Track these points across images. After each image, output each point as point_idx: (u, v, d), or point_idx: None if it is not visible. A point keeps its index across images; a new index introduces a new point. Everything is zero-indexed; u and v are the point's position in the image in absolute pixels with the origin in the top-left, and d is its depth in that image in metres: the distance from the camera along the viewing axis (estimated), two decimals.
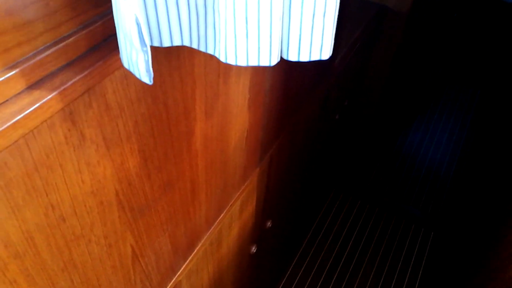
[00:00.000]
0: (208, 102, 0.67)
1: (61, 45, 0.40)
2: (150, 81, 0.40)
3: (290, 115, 1.14)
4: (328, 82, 1.37)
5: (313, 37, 0.42)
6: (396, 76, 2.07)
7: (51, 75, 0.40)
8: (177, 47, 0.54)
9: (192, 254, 0.89)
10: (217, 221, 0.96)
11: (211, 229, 0.94)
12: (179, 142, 0.64)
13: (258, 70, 0.81)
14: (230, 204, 0.99)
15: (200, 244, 0.91)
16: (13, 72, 0.37)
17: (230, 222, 1.04)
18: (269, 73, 0.87)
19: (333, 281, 2.17)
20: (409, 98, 2.74)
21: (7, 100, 0.37)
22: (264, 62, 0.41)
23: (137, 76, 0.40)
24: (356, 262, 2.24)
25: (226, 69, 0.69)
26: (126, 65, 0.41)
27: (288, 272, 2.19)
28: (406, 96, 2.62)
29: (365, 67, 1.98)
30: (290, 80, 1.00)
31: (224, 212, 0.97)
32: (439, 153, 2.79)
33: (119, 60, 0.45)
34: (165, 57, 0.53)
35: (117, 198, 0.55)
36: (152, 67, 0.47)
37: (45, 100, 0.39)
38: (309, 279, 2.18)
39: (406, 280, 2.17)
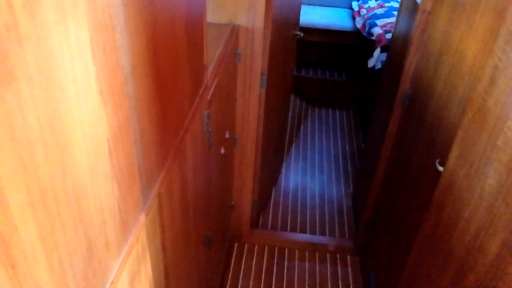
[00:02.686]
0: None
1: None
2: None
3: (173, 132, 0.79)
4: (204, 95, 1.07)
5: None
6: (267, 100, 1.89)
7: None
8: None
9: None
10: None
11: None
12: None
13: (99, 20, 0.46)
14: (110, 282, 0.56)
15: None
16: None
17: None
18: (121, 29, 0.52)
19: None
20: (280, 126, 2.62)
21: None
22: None
23: None
24: None
25: None
26: None
27: None
28: (278, 123, 2.49)
29: (234, 91, 1.75)
30: (160, 67, 0.67)
31: None
32: (315, 178, 2.69)
33: None
34: None
35: None
36: None
37: None
38: None
39: None
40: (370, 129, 2.37)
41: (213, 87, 1.20)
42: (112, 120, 0.51)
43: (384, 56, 2.48)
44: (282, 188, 2.55)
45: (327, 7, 3.65)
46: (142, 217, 0.66)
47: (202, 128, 1.09)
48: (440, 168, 1.18)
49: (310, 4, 3.66)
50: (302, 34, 2.21)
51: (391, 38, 2.24)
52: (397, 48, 1.99)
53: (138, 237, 0.65)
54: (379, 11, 2.94)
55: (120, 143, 0.54)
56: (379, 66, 2.51)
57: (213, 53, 1.33)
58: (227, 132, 1.60)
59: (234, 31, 1.58)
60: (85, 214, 0.47)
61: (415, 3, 1.72)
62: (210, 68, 1.24)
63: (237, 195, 2.08)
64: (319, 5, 3.68)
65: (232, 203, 2.09)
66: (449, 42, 1.33)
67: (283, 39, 1.98)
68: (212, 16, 1.63)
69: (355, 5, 3.37)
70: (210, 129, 1.18)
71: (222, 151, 1.51)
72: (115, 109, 0.51)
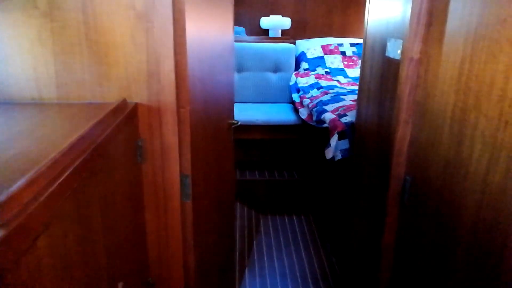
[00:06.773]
0: None
1: None
2: None
3: None
4: None
5: None
6: (197, 215, 1.19)
7: None
8: None
9: None
10: None
11: None
12: None
13: None
14: None
15: None
16: None
17: None
18: None
19: None
20: (224, 249, 1.87)
21: None
22: None
23: None
24: None
25: None
26: None
27: None
28: (219, 247, 1.75)
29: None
30: None
31: None
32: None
33: None
34: None
35: None
36: None
37: None
38: None
39: None
40: (347, 241, 1.70)
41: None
42: None
43: (344, 143, 1.95)
44: None
45: (265, 103, 3.23)
46: None
47: None
48: None
49: (245, 102, 3.22)
50: (238, 122, 1.63)
51: (355, 119, 1.72)
52: (367, 127, 1.45)
53: None
54: (325, 97, 2.51)
55: None
56: (339, 156, 1.96)
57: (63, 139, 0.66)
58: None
59: (123, 108, 0.94)
60: None
61: (386, 58, 1.23)
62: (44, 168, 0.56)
63: None
64: (257, 102, 3.25)
65: None
66: (477, 92, 0.77)
67: (212, 125, 1.37)
68: (90, 93, 1.00)
69: (295, 97, 2.97)
70: None
71: None
72: None
